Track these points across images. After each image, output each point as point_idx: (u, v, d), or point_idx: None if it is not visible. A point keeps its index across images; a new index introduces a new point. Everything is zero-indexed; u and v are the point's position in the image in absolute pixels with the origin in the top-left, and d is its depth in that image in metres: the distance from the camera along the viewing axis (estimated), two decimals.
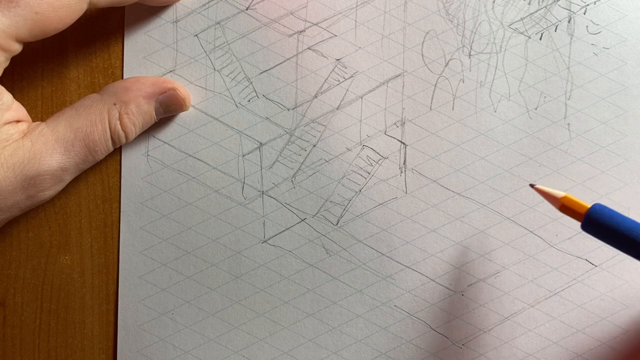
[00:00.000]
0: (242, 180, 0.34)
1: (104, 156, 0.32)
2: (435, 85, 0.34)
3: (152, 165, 0.34)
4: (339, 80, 0.34)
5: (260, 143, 0.34)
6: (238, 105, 0.34)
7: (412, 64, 0.34)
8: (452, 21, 0.34)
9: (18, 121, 0.30)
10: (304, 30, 0.34)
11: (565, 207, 0.28)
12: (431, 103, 0.34)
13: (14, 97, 0.30)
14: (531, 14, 0.34)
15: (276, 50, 0.34)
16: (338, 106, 0.34)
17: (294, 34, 0.34)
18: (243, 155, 0.34)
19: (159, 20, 0.34)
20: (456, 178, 0.34)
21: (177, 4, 0.34)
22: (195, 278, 0.34)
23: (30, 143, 0.29)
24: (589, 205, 0.28)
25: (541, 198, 0.33)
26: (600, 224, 0.27)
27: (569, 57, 0.34)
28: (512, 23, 0.34)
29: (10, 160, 0.29)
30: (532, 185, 0.30)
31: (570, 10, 0.34)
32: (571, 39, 0.34)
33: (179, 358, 0.34)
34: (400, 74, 0.34)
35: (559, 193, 0.29)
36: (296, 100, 0.34)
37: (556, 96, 0.34)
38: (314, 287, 0.34)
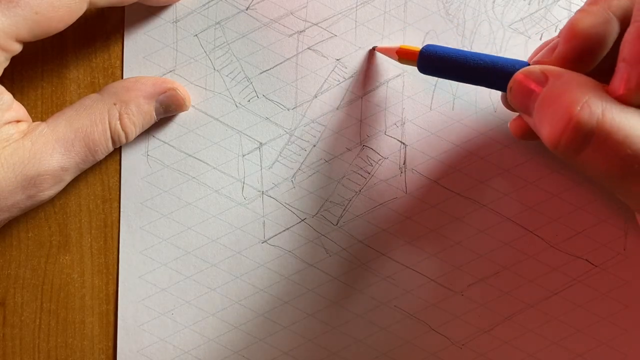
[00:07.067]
0: (242, 180, 0.34)
1: (104, 156, 0.32)
2: (435, 85, 0.34)
3: (152, 165, 0.34)
4: (339, 80, 0.34)
5: (260, 143, 0.34)
6: (238, 105, 0.34)
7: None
8: (452, 21, 0.34)
9: (18, 121, 0.30)
10: (304, 30, 0.34)
11: (402, 53, 0.31)
12: (431, 103, 0.34)
13: (14, 97, 0.30)
14: (531, 14, 0.34)
15: (276, 50, 0.34)
16: (338, 106, 0.34)
17: (294, 34, 0.34)
18: (243, 155, 0.34)
19: (159, 20, 0.34)
20: (456, 178, 0.34)
21: (177, 4, 0.34)
22: (195, 278, 0.34)
23: (30, 143, 0.29)
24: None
25: (541, 197, 0.33)
26: (433, 59, 0.29)
27: None
28: (512, 23, 0.34)
29: (11, 160, 0.29)
30: (374, 48, 0.33)
31: (570, 11, 0.34)
32: None
33: (179, 358, 0.34)
34: (400, 74, 0.34)
35: (395, 45, 0.31)
36: (296, 100, 0.34)
37: None
38: (314, 287, 0.34)
